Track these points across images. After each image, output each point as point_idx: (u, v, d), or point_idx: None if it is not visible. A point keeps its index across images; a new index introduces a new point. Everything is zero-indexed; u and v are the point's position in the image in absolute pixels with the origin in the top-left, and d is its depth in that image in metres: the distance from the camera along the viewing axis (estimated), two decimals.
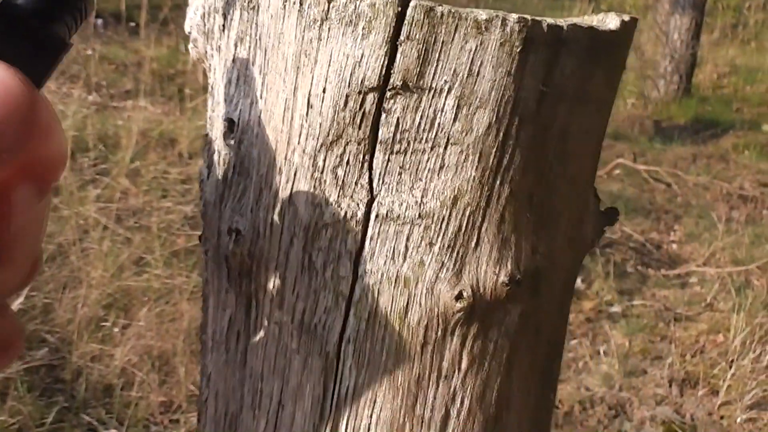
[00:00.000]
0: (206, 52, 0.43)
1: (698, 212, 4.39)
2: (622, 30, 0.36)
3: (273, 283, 0.38)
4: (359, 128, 0.35)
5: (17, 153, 0.23)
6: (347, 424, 0.38)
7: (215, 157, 0.41)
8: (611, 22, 0.37)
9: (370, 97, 0.34)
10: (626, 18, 0.37)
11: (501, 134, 0.34)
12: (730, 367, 2.88)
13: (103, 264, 2.63)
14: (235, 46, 0.40)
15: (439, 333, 0.37)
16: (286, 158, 0.37)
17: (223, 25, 0.41)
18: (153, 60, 5.03)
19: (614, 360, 2.96)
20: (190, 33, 0.43)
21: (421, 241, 0.35)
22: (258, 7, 0.39)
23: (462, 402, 0.38)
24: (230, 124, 0.39)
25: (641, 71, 7.18)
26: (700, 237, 4.08)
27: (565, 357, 3.07)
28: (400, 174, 0.35)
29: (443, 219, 0.35)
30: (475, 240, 0.36)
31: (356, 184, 0.36)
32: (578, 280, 3.68)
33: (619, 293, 3.54)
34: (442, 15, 0.34)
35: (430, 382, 0.37)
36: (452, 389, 0.38)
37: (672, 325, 3.32)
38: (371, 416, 0.38)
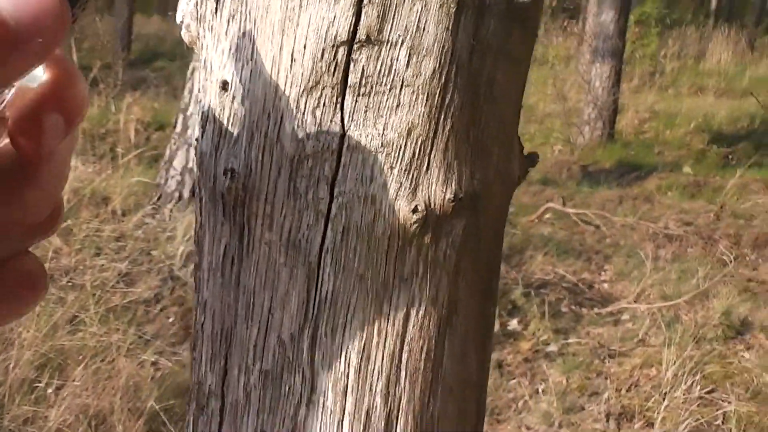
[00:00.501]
0: (199, 33, 0.54)
1: (627, 252, 4.64)
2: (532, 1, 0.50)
3: (263, 209, 0.49)
4: (333, 75, 0.47)
5: (53, 46, 0.27)
6: (327, 323, 0.49)
7: (209, 115, 0.52)
8: None
9: (341, 50, 0.47)
10: None
11: (443, 78, 0.47)
12: (664, 399, 3.04)
13: (35, 324, 2.62)
14: (228, 22, 0.52)
15: (400, 242, 0.48)
16: (273, 105, 0.48)
17: (216, 8, 0.53)
18: (83, 119, 5.06)
19: (553, 398, 3.08)
20: (182, 21, 0.54)
21: (384, 166, 0.47)
22: None
23: (420, 302, 0.49)
24: (224, 85, 0.50)
25: (566, 118, 7.61)
26: (630, 275, 4.31)
27: (505, 397, 3.19)
28: (365, 112, 0.47)
29: (400, 147, 0.47)
30: (426, 165, 0.48)
31: (331, 121, 0.47)
32: (515, 322, 3.83)
33: (554, 332, 3.70)
34: None
35: (394, 285, 0.49)
36: (412, 291, 0.49)
37: (607, 361, 3.48)
38: (347, 315, 0.48)
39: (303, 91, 0.49)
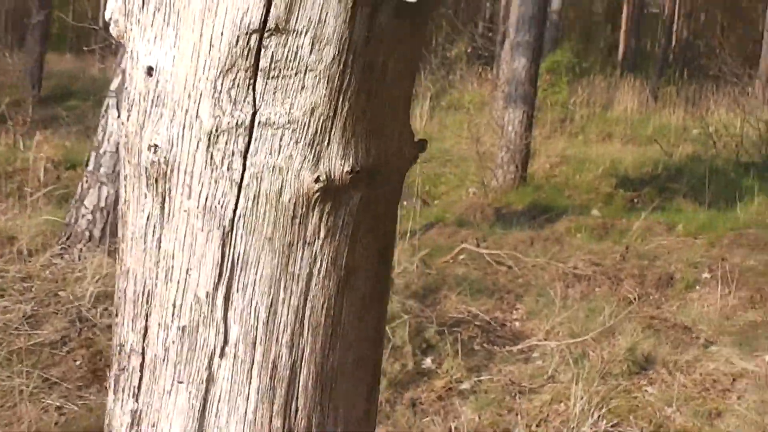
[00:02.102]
0: (126, 27, 0.62)
1: (538, 291, 4.82)
2: None
3: (183, 180, 0.56)
4: (246, 59, 0.56)
5: None
6: (239, 280, 0.56)
7: (135, 98, 0.59)
8: None
9: (254, 37, 0.55)
10: None
11: (341, 64, 0.56)
12: None
13: None
14: (153, 14, 0.60)
15: (304, 209, 0.57)
16: (193, 86, 0.56)
17: (143, 3, 0.61)
18: None
19: None
20: (110, 18, 0.62)
21: (290, 140, 0.56)
22: None
23: (321, 263, 0.57)
24: (149, 70, 0.58)
25: (481, 162, 7.89)
26: (540, 314, 4.48)
27: None
28: (274, 93, 0.56)
29: (305, 125, 0.56)
30: (327, 141, 0.56)
31: (244, 100, 0.56)
32: (429, 361, 3.92)
33: (468, 370, 3.80)
34: None
35: (298, 247, 0.57)
36: (314, 253, 0.57)
37: (518, 397, 3.60)
38: (256, 273, 0.56)
39: (220, 73, 0.57)
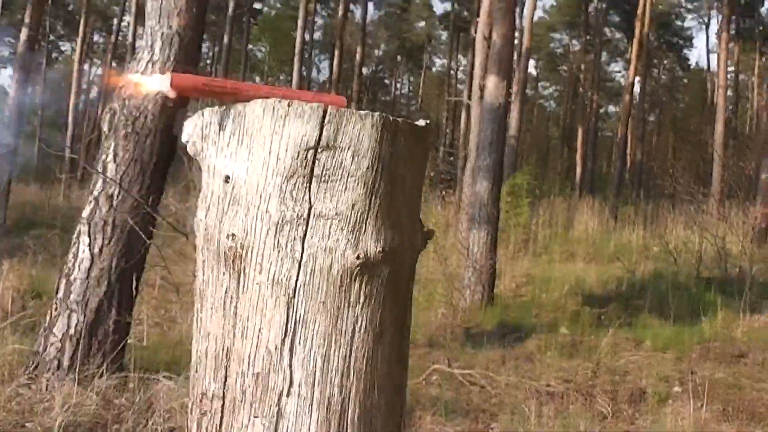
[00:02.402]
0: (202, 147, 0.84)
1: (512, 409, 4.91)
2: (426, 126, 0.83)
3: (256, 260, 0.76)
4: (304, 168, 0.77)
5: None
6: (300, 336, 0.76)
7: (212, 200, 0.80)
8: (422, 122, 0.83)
9: (311, 152, 0.77)
10: (428, 121, 0.83)
11: (374, 172, 0.78)
12: None
13: None
14: (229, 137, 0.82)
15: (348, 279, 0.77)
16: (264, 189, 0.77)
17: (219, 128, 0.82)
18: None
19: None
20: (187, 141, 0.84)
21: (337, 228, 0.77)
22: (245, 114, 0.83)
23: (361, 322, 0.77)
24: (227, 179, 0.79)
25: (448, 283, 8.11)
26: None
27: None
28: (325, 192, 0.77)
29: (347, 216, 0.77)
30: (363, 228, 0.78)
31: (303, 199, 0.77)
32: None
33: None
34: (343, 112, 0.78)
35: (345, 309, 0.76)
36: (356, 314, 0.77)
37: None
38: (314, 329, 0.75)
39: (285, 179, 0.79)
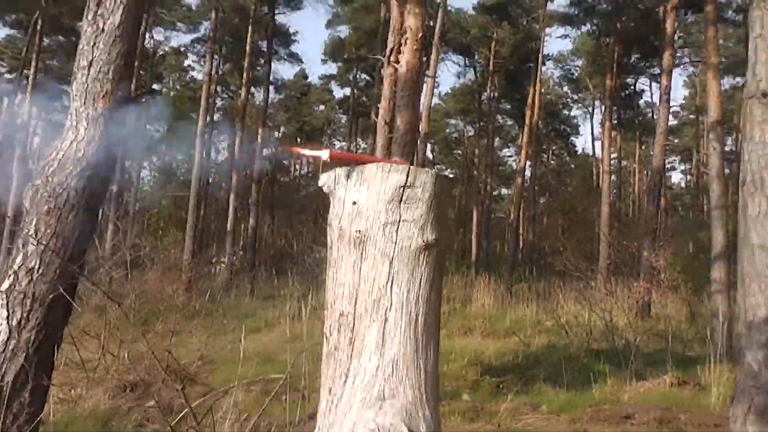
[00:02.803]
0: (334, 188, 1.67)
1: None
2: (452, 176, 1.45)
3: (371, 242, 1.65)
4: (398, 197, 1.72)
5: None
6: (395, 281, 1.64)
7: (343, 216, 1.67)
8: (450, 174, 1.48)
9: (401, 189, 1.70)
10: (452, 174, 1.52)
11: (431, 199, 1.70)
12: None
13: None
14: (355, 182, 1.64)
15: (418, 252, 1.65)
16: (376, 207, 1.69)
17: (346, 177, 1.66)
18: None
19: None
20: (323, 184, 1.71)
21: (413, 227, 1.68)
22: (364, 170, 1.65)
23: (424, 276, 1.64)
24: (354, 203, 1.68)
25: None
26: None
27: None
28: (408, 210, 1.72)
29: (418, 221, 1.70)
30: (426, 228, 1.70)
31: (396, 212, 1.70)
32: None
33: None
34: (416, 168, 1.65)
35: (417, 268, 1.64)
36: (422, 271, 1.64)
37: None
38: (401, 278, 1.64)
39: (387, 202, 1.61)
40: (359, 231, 1.58)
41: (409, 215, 1.57)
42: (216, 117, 27.87)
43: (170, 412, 5.74)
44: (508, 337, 12.30)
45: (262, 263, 23.80)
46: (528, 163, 28.61)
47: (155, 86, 28.22)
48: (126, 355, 7.53)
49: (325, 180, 1.71)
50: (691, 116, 40.99)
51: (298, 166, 49.93)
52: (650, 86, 36.88)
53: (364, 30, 29.72)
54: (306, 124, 44.08)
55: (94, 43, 5.19)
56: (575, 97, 40.41)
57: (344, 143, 44.62)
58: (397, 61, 11.39)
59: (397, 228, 1.56)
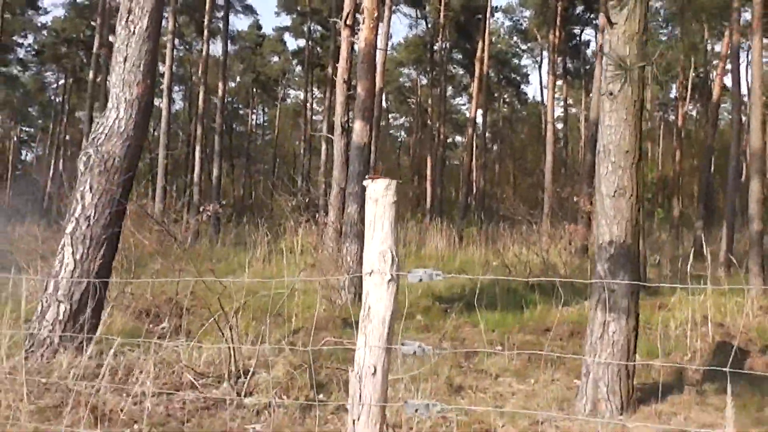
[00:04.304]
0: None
1: None
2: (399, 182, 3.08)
3: None
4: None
5: None
6: None
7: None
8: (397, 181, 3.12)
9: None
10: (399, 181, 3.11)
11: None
12: None
13: None
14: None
15: None
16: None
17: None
18: None
19: None
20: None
21: None
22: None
23: None
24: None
25: (327, 288, 10.31)
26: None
27: None
28: None
29: None
30: None
31: None
32: None
33: None
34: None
35: None
36: None
37: None
38: None
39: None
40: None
41: None
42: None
43: (178, 333, 7.50)
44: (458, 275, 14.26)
45: (225, 211, 25.39)
46: (479, 111, 30.48)
47: (112, 39, 29.16)
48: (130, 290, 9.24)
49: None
50: None
51: (254, 116, 51.11)
52: (595, 37, 38.85)
53: None
54: (261, 74, 45.18)
55: (128, 43, 6.87)
56: (524, 47, 42.18)
57: (300, 92, 45.95)
58: (353, 25, 13.14)
59: None
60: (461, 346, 8.07)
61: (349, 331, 8.53)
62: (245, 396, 5.62)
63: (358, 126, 10.77)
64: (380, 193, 2.76)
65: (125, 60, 6.85)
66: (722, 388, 5.48)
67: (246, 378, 5.77)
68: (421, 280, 2.76)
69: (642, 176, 5.62)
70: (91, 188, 6.65)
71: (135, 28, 6.88)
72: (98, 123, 6.94)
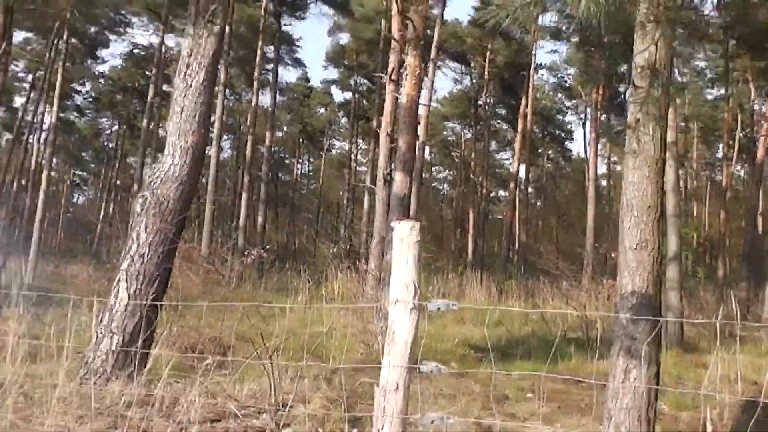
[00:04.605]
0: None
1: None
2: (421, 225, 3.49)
3: None
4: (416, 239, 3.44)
5: None
6: None
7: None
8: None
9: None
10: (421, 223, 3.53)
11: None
12: None
13: None
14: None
15: None
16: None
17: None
18: None
19: None
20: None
21: None
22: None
23: None
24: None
25: (364, 332, 10.67)
26: None
27: None
28: None
29: None
30: None
31: None
32: None
33: None
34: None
35: None
36: None
37: None
38: None
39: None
40: None
41: None
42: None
43: (221, 368, 7.92)
44: (497, 327, 14.53)
45: (269, 257, 26.03)
46: (522, 166, 30.86)
47: (165, 88, 30.46)
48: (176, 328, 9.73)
49: (395, 224, 3.34)
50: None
51: (299, 165, 52.24)
52: None
53: (365, 39, 31.95)
54: (308, 125, 46.36)
55: (185, 95, 7.46)
56: (569, 104, 42.65)
57: (345, 143, 46.93)
58: (398, 79, 13.71)
59: None
60: (493, 391, 8.34)
61: None
62: (283, 427, 5.99)
63: (398, 177, 11.26)
64: (405, 233, 3.17)
65: (182, 110, 7.43)
66: None
67: (284, 410, 6.14)
68: (439, 309, 3.16)
69: (662, 231, 5.97)
70: (146, 228, 7.18)
71: (192, 81, 7.47)
72: (155, 168, 7.51)
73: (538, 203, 47.34)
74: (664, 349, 11.78)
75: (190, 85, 7.47)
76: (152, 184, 7.33)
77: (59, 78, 23.91)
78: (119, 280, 7.14)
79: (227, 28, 26.42)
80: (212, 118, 26.90)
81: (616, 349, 5.91)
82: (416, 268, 3.17)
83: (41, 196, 22.98)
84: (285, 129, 48.64)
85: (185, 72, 7.51)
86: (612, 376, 5.95)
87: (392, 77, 14.26)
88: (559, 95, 42.31)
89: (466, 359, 10.51)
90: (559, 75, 40.87)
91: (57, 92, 23.86)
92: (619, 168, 45.23)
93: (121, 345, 6.91)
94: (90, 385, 6.75)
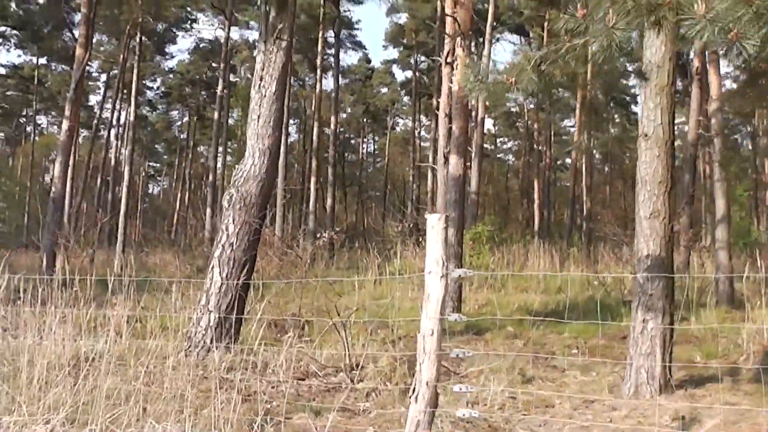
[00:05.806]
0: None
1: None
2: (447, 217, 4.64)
3: None
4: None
5: None
6: None
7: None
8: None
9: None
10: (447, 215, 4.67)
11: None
12: None
13: None
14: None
15: None
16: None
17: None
18: None
19: None
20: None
21: None
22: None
23: None
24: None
25: None
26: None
27: None
28: None
29: None
30: None
31: None
32: None
33: None
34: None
35: None
36: None
37: None
38: None
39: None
40: None
41: None
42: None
43: (301, 339, 9.26)
44: (558, 294, 15.54)
45: (339, 237, 27.48)
46: (585, 134, 31.43)
47: (232, 78, 32.11)
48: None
49: (430, 219, 4.31)
50: None
51: (364, 145, 53.64)
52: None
53: (422, 18, 32.94)
54: (371, 105, 47.66)
55: (260, 104, 8.79)
56: (631, 68, 42.41)
57: (408, 121, 48.02)
58: (453, 61, 14.75)
59: None
60: (542, 350, 9.47)
61: (447, 341, 10.09)
62: (357, 382, 7.28)
63: (453, 160, 12.41)
64: (435, 222, 4.39)
65: (258, 118, 8.78)
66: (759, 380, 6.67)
67: (357, 369, 7.43)
68: (459, 276, 4.36)
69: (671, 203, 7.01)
70: (233, 221, 8.57)
71: (266, 92, 8.80)
72: (238, 168, 8.88)
73: (606, 169, 47.55)
74: (712, 306, 12.72)
75: (264, 95, 8.80)
76: (236, 182, 8.70)
77: (135, 77, 25.71)
78: (213, 266, 8.55)
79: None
80: None
81: (635, 305, 7.00)
82: (443, 248, 4.36)
83: (124, 190, 24.87)
84: (349, 110, 50.07)
85: (259, 84, 8.84)
86: (632, 327, 7.03)
87: (447, 60, 15.27)
88: (621, 59, 42.18)
89: (523, 323, 11.65)
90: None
91: (134, 90, 25.69)
92: (686, 128, 45.06)
93: (217, 321, 8.30)
94: (194, 355, 8.19)
